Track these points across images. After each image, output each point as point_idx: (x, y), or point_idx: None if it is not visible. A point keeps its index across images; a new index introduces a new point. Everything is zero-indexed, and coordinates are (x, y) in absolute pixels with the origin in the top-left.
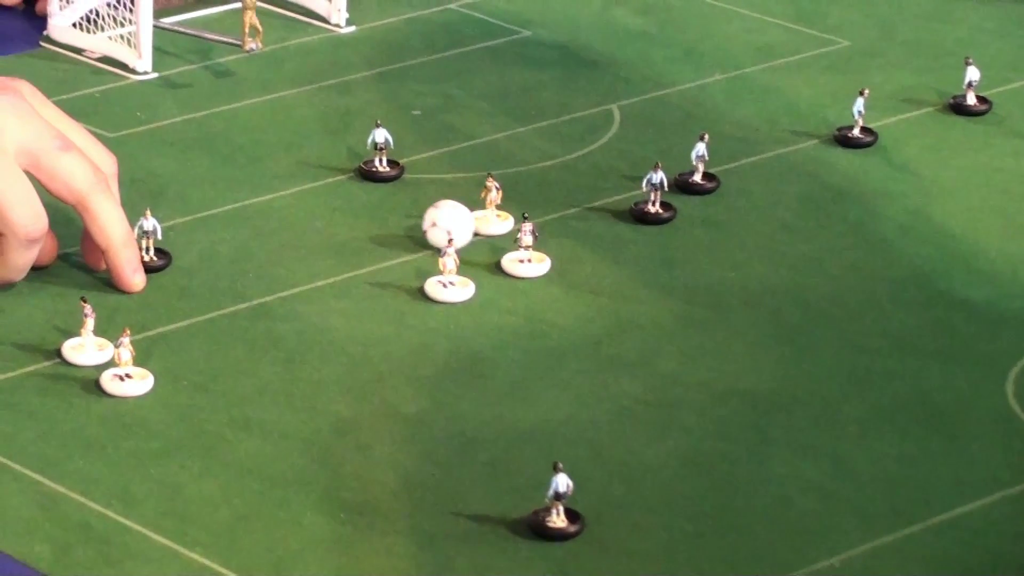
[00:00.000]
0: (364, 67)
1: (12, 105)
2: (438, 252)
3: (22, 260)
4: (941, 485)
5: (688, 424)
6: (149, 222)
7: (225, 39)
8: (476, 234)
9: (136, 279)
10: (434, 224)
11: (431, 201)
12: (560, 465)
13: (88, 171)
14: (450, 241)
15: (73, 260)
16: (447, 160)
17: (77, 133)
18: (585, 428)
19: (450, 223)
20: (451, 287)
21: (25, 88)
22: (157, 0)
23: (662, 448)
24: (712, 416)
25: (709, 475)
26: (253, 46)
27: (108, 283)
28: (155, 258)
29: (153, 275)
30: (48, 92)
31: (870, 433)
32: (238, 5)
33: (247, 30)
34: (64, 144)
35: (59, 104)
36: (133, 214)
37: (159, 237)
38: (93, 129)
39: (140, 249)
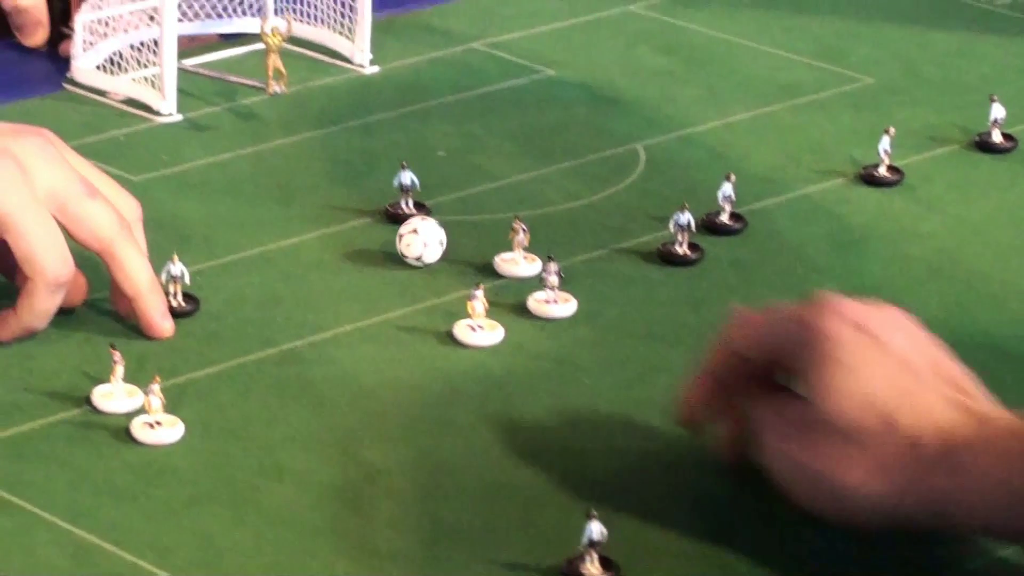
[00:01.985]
0: (388, 108)
1: (40, 148)
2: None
3: (47, 305)
4: None
5: (724, 471)
6: (176, 267)
7: (249, 82)
8: (499, 274)
9: (165, 325)
10: (426, 245)
11: (458, 243)
12: (594, 512)
13: (113, 218)
14: (479, 284)
15: (100, 306)
16: (473, 201)
17: (100, 179)
18: (618, 474)
19: (437, 235)
20: (480, 331)
21: (48, 135)
22: (180, 41)
23: (697, 494)
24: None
25: (749, 523)
26: (277, 89)
27: (136, 329)
28: (183, 303)
29: (181, 320)
30: (72, 135)
31: None
32: (260, 46)
33: (271, 73)
34: (90, 190)
35: (83, 147)
36: (159, 259)
37: (187, 282)
38: (117, 172)
39: (168, 294)
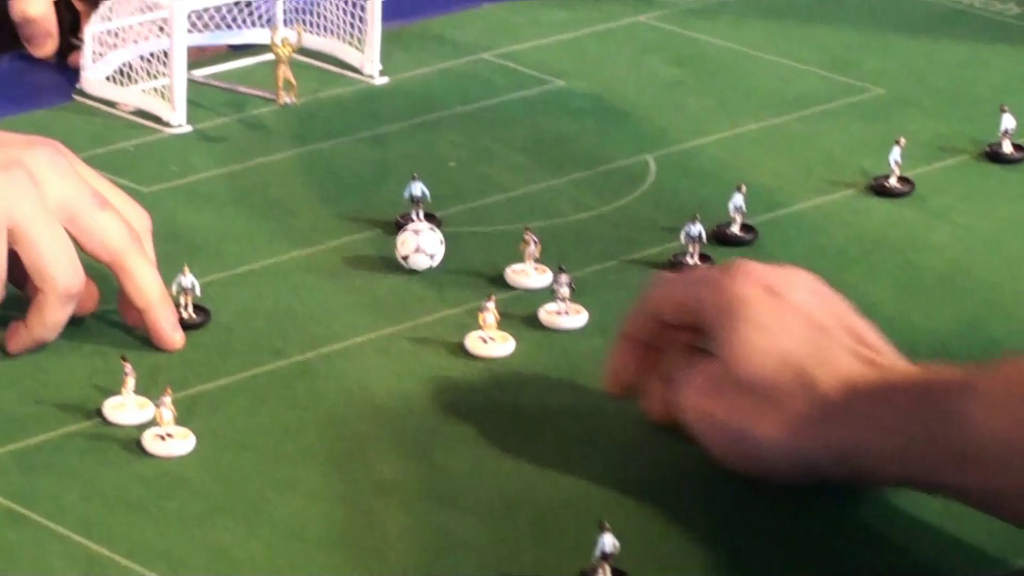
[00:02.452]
0: (398, 119)
1: (51, 160)
2: (479, 307)
3: (58, 317)
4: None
5: (736, 482)
6: (187, 279)
7: (259, 93)
8: (511, 286)
9: (175, 337)
10: (418, 249)
11: (469, 255)
12: (607, 524)
13: (124, 230)
14: (491, 296)
15: (110, 318)
16: (483, 213)
17: (110, 190)
18: (631, 486)
19: (433, 247)
20: (491, 342)
21: (59, 147)
22: (190, 52)
23: (710, 506)
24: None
25: (760, 534)
26: (288, 100)
27: (147, 341)
28: (194, 315)
29: (192, 332)
30: (81, 146)
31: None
32: (269, 57)
33: (281, 84)
34: (100, 202)
35: (93, 158)
36: (170, 270)
37: (198, 294)
38: (127, 183)
39: (178, 306)
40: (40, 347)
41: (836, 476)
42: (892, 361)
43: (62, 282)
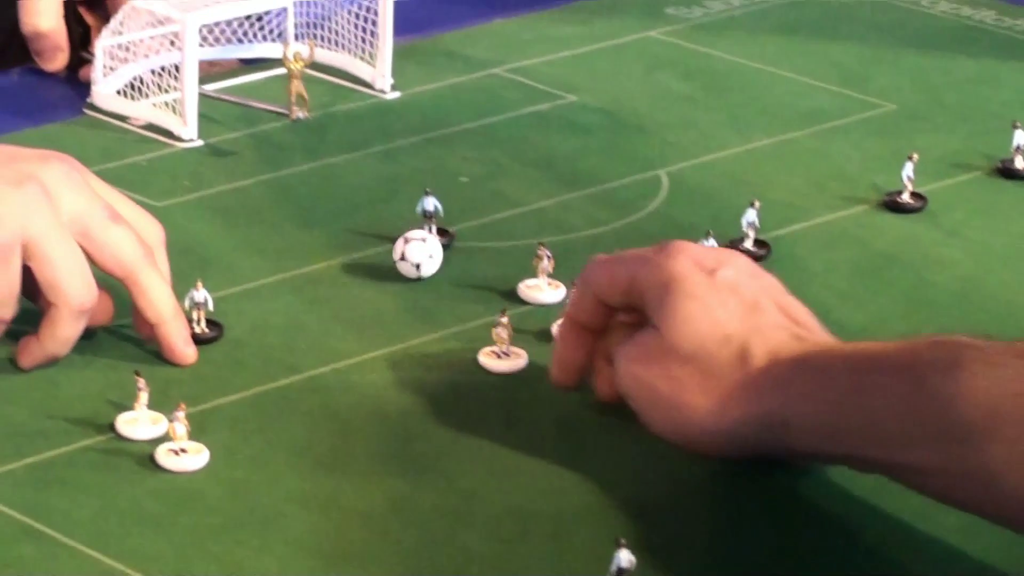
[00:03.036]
0: (410, 133)
1: (65, 174)
2: (493, 324)
3: (70, 333)
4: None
5: (753, 496)
6: (200, 293)
7: (272, 108)
8: (524, 300)
9: (188, 351)
10: (403, 257)
11: (482, 270)
12: (622, 540)
13: (136, 245)
14: (504, 311)
15: (123, 332)
16: (496, 228)
17: (123, 204)
18: (646, 501)
19: (419, 257)
20: (505, 357)
21: (72, 161)
22: (200, 67)
23: (727, 522)
24: (777, 487)
25: (779, 551)
26: (300, 115)
27: (160, 356)
28: (206, 329)
29: (205, 347)
30: (93, 160)
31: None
32: (281, 71)
33: (294, 99)
34: (113, 216)
35: (104, 173)
36: (182, 285)
37: (210, 308)
38: (139, 198)
39: (191, 321)
40: (52, 362)
41: (768, 449)
42: (821, 337)
43: (76, 297)
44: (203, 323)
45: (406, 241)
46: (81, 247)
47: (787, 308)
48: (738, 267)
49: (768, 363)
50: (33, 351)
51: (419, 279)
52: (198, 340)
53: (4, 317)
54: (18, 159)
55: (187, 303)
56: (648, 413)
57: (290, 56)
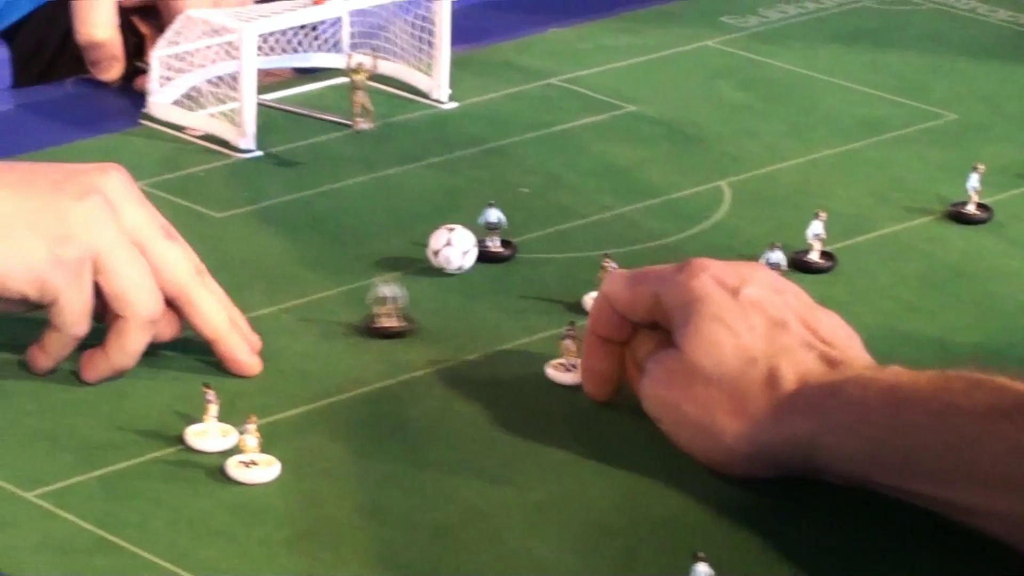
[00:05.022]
0: (468, 144)
1: (125, 186)
2: (560, 336)
3: (138, 345)
4: None
5: (830, 508)
6: (389, 288)
7: (335, 119)
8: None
9: (252, 362)
10: (448, 243)
11: (547, 282)
12: (700, 554)
13: (190, 262)
14: (571, 323)
15: (187, 345)
16: (558, 239)
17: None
18: (722, 513)
19: (466, 245)
20: (573, 370)
21: (125, 172)
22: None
23: (806, 534)
24: (847, 498)
25: (853, 559)
26: (364, 126)
27: (225, 368)
28: (400, 323)
29: (272, 359)
30: (150, 171)
31: None
32: (338, 81)
33: (358, 110)
34: (168, 232)
35: (162, 183)
36: (241, 297)
37: (403, 304)
38: (199, 208)
39: (379, 316)
40: (118, 375)
41: (798, 471)
42: (849, 357)
43: (143, 309)
44: (394, 318)
45: (451, 230)
46: None
47: (814, 324)
48: (762, 283)
49: (798, 387)
50: (99, 364)
51: (459, 269)
52: (390, 334)
53: (78, 335)
54: (78, 172)
55: (373, 296)
56: (676, 435)
57: (354, 67)
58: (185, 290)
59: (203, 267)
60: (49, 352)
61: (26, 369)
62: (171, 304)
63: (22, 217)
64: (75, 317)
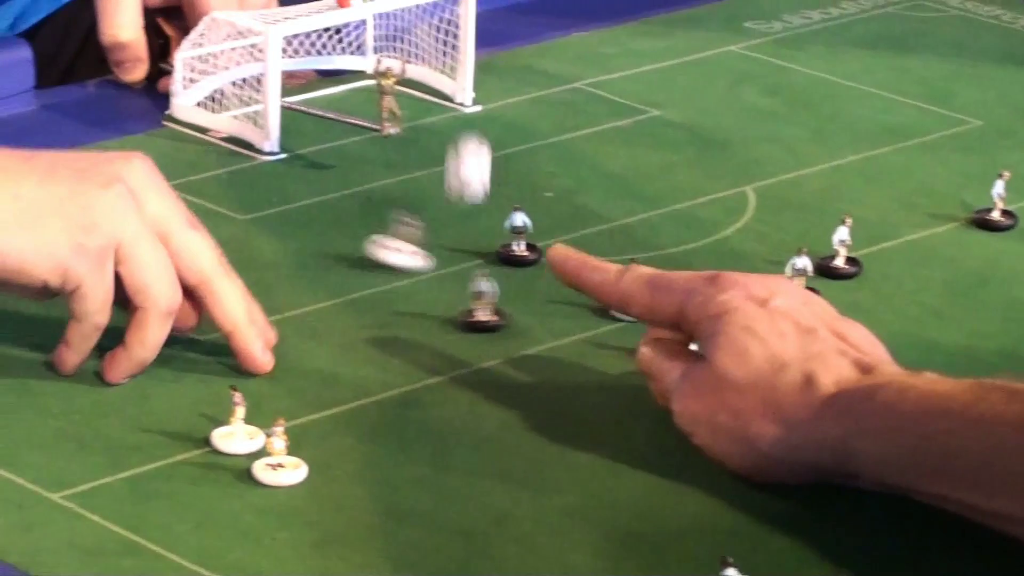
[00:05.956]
0: (492, 148)
1: (149, 176)
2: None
3: (159, 336)
4: None
5: (860, 513)
6: (486, 283)
7: (362, 123)
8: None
9: (265, 359)
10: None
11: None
12: (729, 559)
13: (212, 252)
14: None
15: (210, 346)
16: (583, 244)
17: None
18: (751, 518)
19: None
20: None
21: (150, 160)
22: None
23: (833, 538)
24: (878, 503)
25: (884, 564)
26: (392, 131)
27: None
28: (493, 317)
29: (297, 361)
30: (174, 173)
31: None
32: (361, 84)
33: (386, 115)
34: (191, 222)
35: (186, 185)
36: (267, 298)
37: (493, 299)
38: (222, 211)
39: (475, 311)
40: (141, 371)
41: (833, 476)
42: (878, 361)
43: (164, 300)
44: (489, 312)
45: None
46: None
47: (843, 333)
48: (791, 295)
49: (835, 391)
50: (120, 362)
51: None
52: (485, 327)
53: (100, 323)
54: (102, 161)
55: (473, 290)
56: (711, 446)
57: (382, 71)
58: (207, 280)
59: (224, 260)
60: (72, 344)
61: (52, 371)
62: (190, 295)
63: (46, 205)
64: (97, 305)
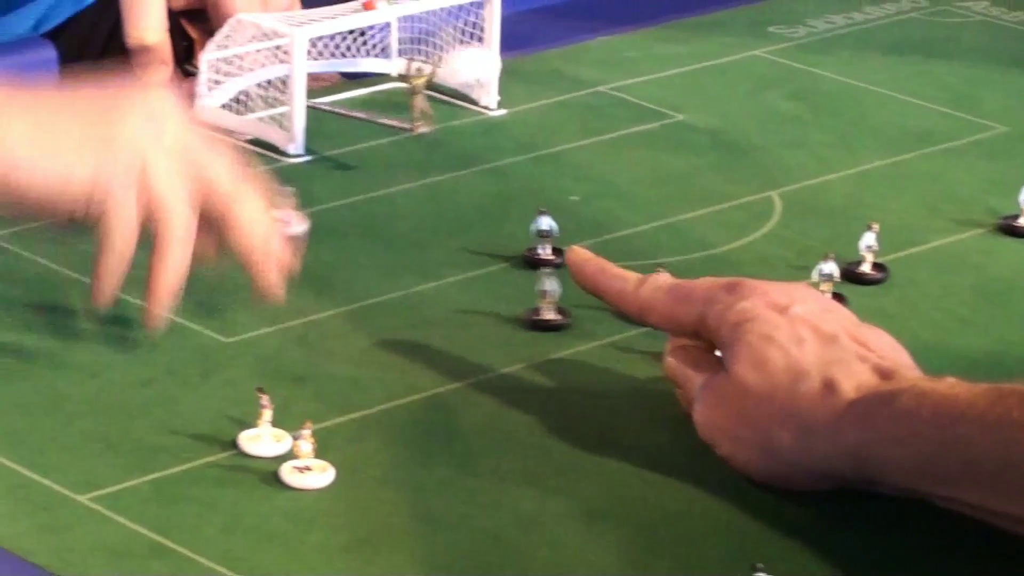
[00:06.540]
0: (518, 151)
1: (170, 105)
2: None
3: (183, 259)
4: None
5: (885, 519)
6: (551, 282)
7: (394, 123)
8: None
9: (277, 289)
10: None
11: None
12: (760, 565)
13: (232, 175)
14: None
15: (236, 349)
16: (609, 248)
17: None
18: (779, 524)
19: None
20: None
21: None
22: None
23: (860, 544)
24: (902, 509)
25: (909, 570)
26: (425, 130)
27: (278, 373)
28: (558, 316)
29: (323, 364)
30: None
31: None
32: (385, 87)
33: (417, 115)
34: (213, 146)
35: None
36: (295, 301)
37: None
38: None
39: (542, 309)
40: (174, 299)
41: (856, 482)
42: (898, 367)
43: (183, 221)
44: (553, 311)
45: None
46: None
47: (864, 340)
48: (811, 302)
49: (856, 396)
50: (153, 293)
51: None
52: (549, 326)
53: (126, 252)
54: (122, 92)
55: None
56: (734, 456)
57: (414, 72)
58: (229, 200)
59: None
60: (101, 277)
61: (81, 372)
62: (211, 221)
63: (72, 133)
64: (123, 232)
